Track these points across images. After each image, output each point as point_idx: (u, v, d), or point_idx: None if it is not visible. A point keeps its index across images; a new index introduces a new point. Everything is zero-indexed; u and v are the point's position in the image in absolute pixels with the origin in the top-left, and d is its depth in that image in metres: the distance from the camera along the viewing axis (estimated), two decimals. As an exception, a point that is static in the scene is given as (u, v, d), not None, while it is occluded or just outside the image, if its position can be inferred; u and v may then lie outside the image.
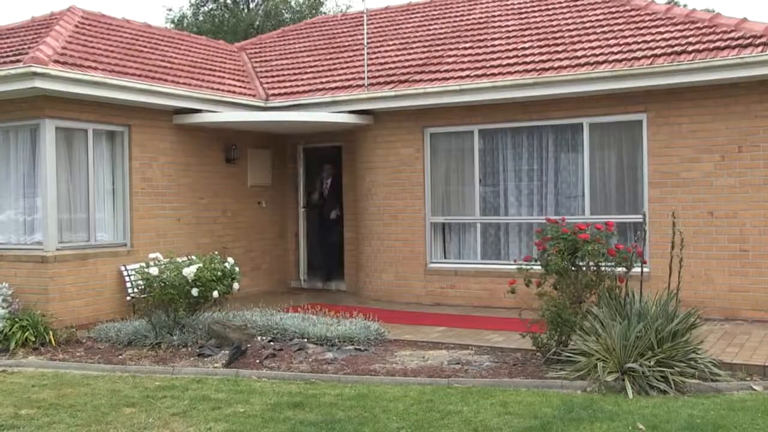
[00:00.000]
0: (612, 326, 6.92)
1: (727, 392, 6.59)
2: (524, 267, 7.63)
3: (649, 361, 6.67)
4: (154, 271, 8.68)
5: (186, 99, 11.40)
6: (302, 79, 13.53)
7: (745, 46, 9.64)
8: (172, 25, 30.34)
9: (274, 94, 13.14)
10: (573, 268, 7.56)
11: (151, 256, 9.15)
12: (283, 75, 14.03)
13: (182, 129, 11.84)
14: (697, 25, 10.76)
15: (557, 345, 7.47)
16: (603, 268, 7.58)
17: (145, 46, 12.79)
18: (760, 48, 9.48)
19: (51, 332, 8.99)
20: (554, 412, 6.01)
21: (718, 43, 9.93)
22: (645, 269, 7.83)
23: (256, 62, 15.14)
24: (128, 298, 10.44)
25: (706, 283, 9.81)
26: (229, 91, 12.46)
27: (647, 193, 10.34)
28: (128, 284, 10.52)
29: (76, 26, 11.93)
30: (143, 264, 9.12)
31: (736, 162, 9.78)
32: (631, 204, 10.59)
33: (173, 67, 12.33)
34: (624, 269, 7.54)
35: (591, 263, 7.53)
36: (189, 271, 8.56)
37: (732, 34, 10.05)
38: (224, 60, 14.43)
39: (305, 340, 8.66)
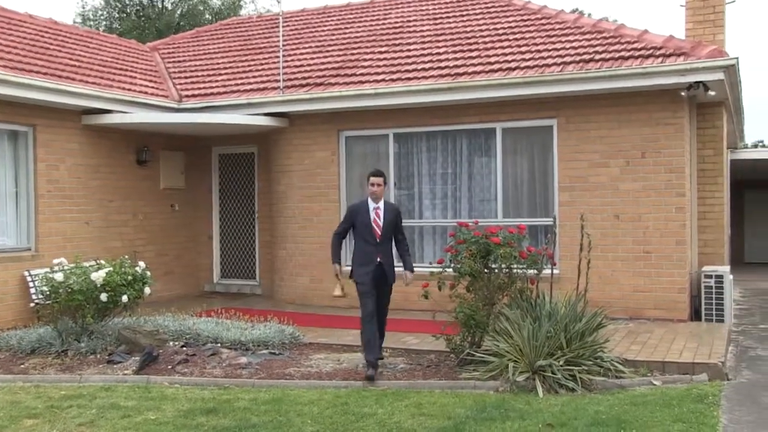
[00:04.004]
0: (523, 327, 7.09)
1: (630, 388, 6.87)
2: (437, 270, 7.73)
3: (559, 361, 6.88)
4: (59, 276, 8.35)
5: (95, 99, 11.05)
6: (217, 81, 13.33)
7: (647, 57, 10.07)
8: (81, 20, 29.30)
9: (187, 96, 12.89)
10: (486, 271, 7.70)
11: (56, 261, 8.80)
12: (197, 76, 13.78)
13: (91, 130, 11.45)
14: (604, 35, 11.17)
15: (470, 346, 7.60)
16: (515, 271, 7.76)
17: (52, 43, 12.34)
18: (660, 59, 9.93)
19: (-55, 341, 8.53)
20: (467, 412, 6.11)
21: (622, 53, 10.34)
22: (555, 271, 8.08)
23: (169, 63, 14.81)
24: (32, 304, 9.99)
25: (613, 283, 10.18)
26: (140, 92, 12.14)
27: (557, 197, 10.64)
28: (32, 290, 10.09)
29: (-26, 20, 11.40)
30: (48, 269, 8.77)
31: (640, 167, 10.19)
32: (542, 207, 10.88)
33: (82, 65, 11.94)
34: (535, 271, 7.74)
35: (503, 266, 7.69)
36: (98, 276, 8.29)
37: (635, 45, 10.48)
38: (136, 60, 14.05)
39: (219, 344, 8.51)
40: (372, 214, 7.59)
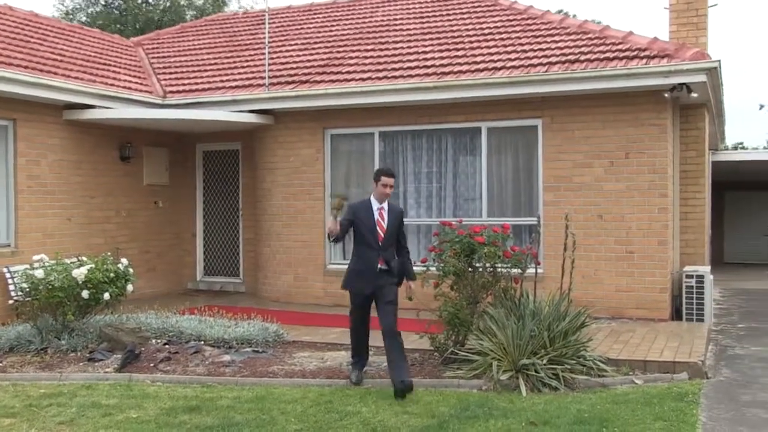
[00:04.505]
0: (507, 326, 7.11)
1: (612, 387, 6.91)
2: (420, 270, 7.73)
3: (542, 360, 6.90)
4: (39, 273, 8.27)
5: (78, 94, 10.94)
6: (202, 77, 13.25)
7: (632, 58, 10.13)
8: (60, 14, 28.97)
9: (172, 92, 12.81)
10: (470, 270, 7.71)
11: (36, 257, 8.70)
12: (182, 72, 13.70)
13: (74, 125, 11.34)
14: (589, 36, 11.22)
15: (454, 345, 7.60)
16: (499, 270, 7.78)
17: (32, 37, 12.21)
18: (644, 60, 9.99)
19: None
20: (451, 410, 6.12)
21: (607, 54, 10.39)
22: (539, 270, 8.10)
23: (153, 58, 14.71)
24: (11, 301, 9.87)
25: (596, 283, 10.22)
26: (124, 87, 12.04)
27: (542, 197, 10.67)
28: (11, 287, 9.98)
29: (-47, 12, 11.26)
30: (28, 266, 8.68)
31: (624, 168, 10.24)
32: (526, 207, 10.91)
33: (64, 60, 11.82)
34: (519, 270, 7.76)
35: (487, 265, 7.70)
36: (79, 273, 8.21)
37: (620, 46, 10.54)
38: (119, 55, 13.95)
39: (202, 342, 8.47)
40: (376, 215, 6.94)
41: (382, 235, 6.90)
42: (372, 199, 7.04)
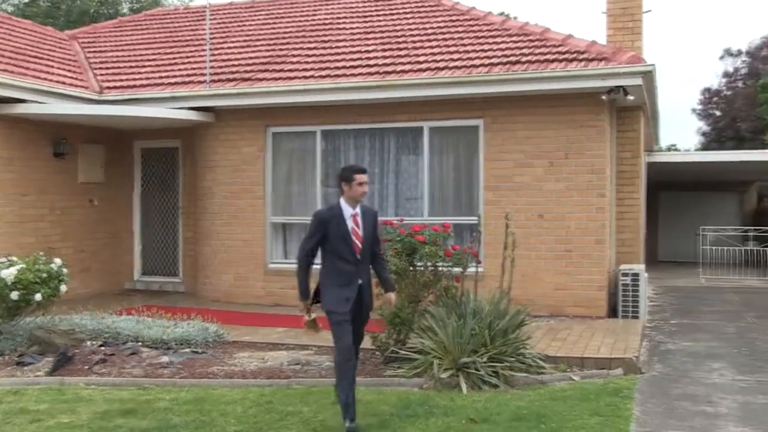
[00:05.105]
0: (447, 325, 7.15)
1: (550, 384, 7.02)
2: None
3: (482, 358, 6.96)
4: (-35, 274, 7.95)
5: (7, 87, 10.57)
6: (140, 73, 12.97)
7: (571, 60, 10.32)
8: None
9: (109, 87, 12.50)
10: (411, 269, 7.73)
11: (-40, 258, 8.38)
12: (120, 67, 13.37)
13: (4, 120, 10.95)
14: (530, 37, 11.38)
15: (395, 344, 7.61)
16: (440, 269, 7.81)
17: (-40, 28, 11.76)
18: (583, 63, 10.19)
19: None
20: (392, 409, 6.12)
21: (548, 56, 10.56)
22: (479, 269, 8.16)
23: (89, 52, 14.33)
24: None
25: (535, 281, 10.36)
26: (58, 82, 11.69)
27: (482, 196, 10.77)
28: (-62, 288, 9.56)
29: None
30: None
31: (564, 168, 10.41)
32: (467, 206, 10.99)
33: (-6, 52, 11.42)
34: (460, 269, 7.81)
35: (428, 264, 7.73)
36: (8, 273, 7.93)
37: (560, 49, 10.72)
38: (53, 48, 13.54)
39: (139, 343, 8.28)
40: (349, 223, 5.78)
41: (360, 246, 5.80)
42: (342, 203, 5.82)
